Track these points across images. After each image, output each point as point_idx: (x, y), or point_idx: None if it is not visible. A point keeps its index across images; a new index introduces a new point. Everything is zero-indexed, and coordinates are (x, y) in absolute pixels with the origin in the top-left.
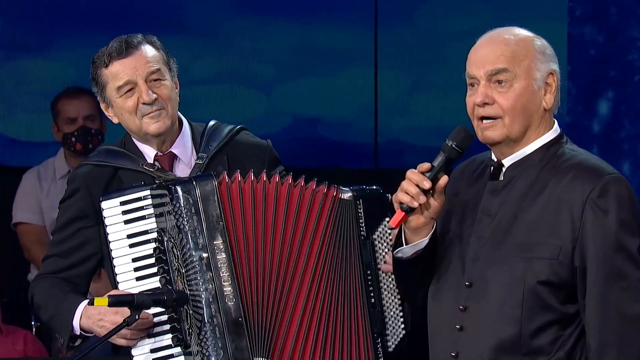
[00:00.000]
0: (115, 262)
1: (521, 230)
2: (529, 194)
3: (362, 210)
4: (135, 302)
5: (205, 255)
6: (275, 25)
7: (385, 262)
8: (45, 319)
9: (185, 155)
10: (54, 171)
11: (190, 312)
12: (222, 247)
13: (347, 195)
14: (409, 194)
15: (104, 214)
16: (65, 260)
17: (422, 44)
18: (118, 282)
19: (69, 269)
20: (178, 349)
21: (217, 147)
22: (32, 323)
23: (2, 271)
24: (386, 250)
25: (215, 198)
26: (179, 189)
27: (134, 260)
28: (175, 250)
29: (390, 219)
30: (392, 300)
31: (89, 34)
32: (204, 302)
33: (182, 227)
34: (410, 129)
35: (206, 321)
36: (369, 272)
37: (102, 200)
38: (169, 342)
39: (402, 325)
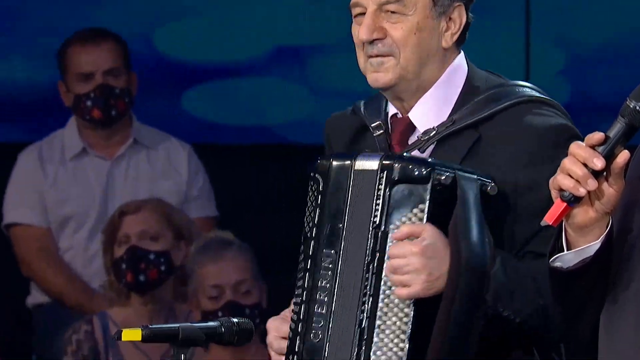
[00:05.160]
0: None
1: None
2: None
3: (383, 189)
4: (180, 336)
5: (308, 266)
6: None
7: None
8: None
9: (428, 124)
10: (62, 149)
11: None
12: (331, 259)
13: (370, 164)
14: (573, 177)
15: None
16: None
17: None
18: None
19: None
20: None
21: (466, 123)
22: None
23: None
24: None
25: (345, 190)
26: (312, 167)
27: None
28: (300, 262)
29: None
30: (393, 328)
31: None
32: (291, 332)
33: (304, 220)
34: None
35: (295, 347)
36: (366, 276)
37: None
38: None
39: None
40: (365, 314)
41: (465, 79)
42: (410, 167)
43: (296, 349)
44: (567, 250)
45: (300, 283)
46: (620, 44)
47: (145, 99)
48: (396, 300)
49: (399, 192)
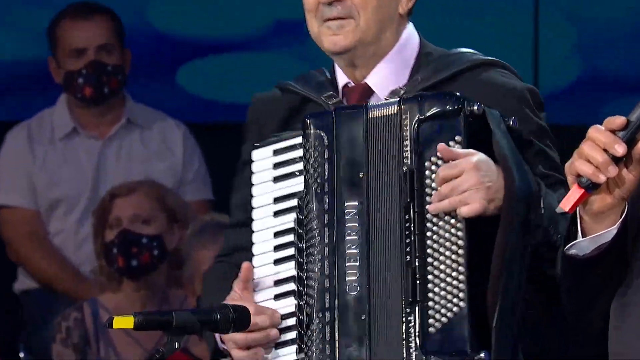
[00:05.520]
0: (255, 236)
1: None
2: None
3: (410, 129)
4: (174, 324)
5: (328, 221)
6: None
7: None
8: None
9: (387, 90)
10: (52, 129)
11: (303, 303)
12: (355, 211)
13: (388, 110)
14: (592, 163)
15: (253, 167)
16: (238, 232)
17: None
18: (255, 267)
19: (241, 249)
20: None
21: (428, 83)
22: (21, 356)
23: None
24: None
25: (361, 141)
26: (311, 123)
27: (276, 234)
28: (299, 215)
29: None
30: (447, 262)
31: None
32: (316, 291)
33: (308, 177)
34: None
35: (315, 316)
36: (407, 217)
37: (254, 148)
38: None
39: (462, 301)
40: (413, 254)
41: (419, 46)
42: (438, 102)
43: (327, 306)
44: (583, 237)
45: (313, 242)
46: (633, 20)
47: (138, 76)
48: (447, 235)
49: (427, 129)
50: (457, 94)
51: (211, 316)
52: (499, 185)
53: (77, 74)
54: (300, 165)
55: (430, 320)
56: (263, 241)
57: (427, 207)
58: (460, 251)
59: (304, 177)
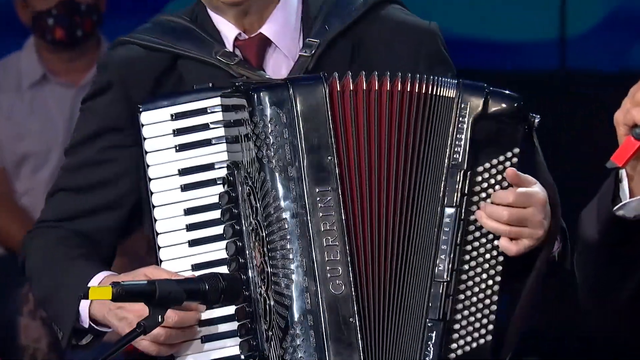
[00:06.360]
0: (156, 212)
1: None
2: None
3: (467, 122)
4: (157, 294)
5: (301, 209)
6: None
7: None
8: (39, 299)
9: (285, 40)
10: (19, 76)
11: (271, 303)
12: (330, 197)
13: (447, 91)
14: None
15: (145, 132)
16: (81, 198)
17: None
18: (159, 247)
19: (86, 215)
20: None
21: (340, 29)
22: None
23: None
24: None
25: (325, 117)
26: (265, 97)
27: (188, 212)
28: (253, 200)
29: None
30: (481, 286)
31: None
32: (293, 288)
33: (266, 161)
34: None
35: (295, 319)
36: (447, 220)
37: (142, 110)
38: (235, 350)
39: (489, 334)
40: (447, 266)
41: None
42: (506, 101)
43: (309, 307)
44: (631, 197)
45: (279, 232)
46: None
47: (116, 16)
48: (486, 256)
49: (486, 129)
50: (514, 93)
51: (198, 286)
52: (548, 224)
53: (47, 14)
54: (207, 134)
55: (453, 345)
56: (168, 218)
57: (476, 217)
58: (497, 278)
59: (257, 156)
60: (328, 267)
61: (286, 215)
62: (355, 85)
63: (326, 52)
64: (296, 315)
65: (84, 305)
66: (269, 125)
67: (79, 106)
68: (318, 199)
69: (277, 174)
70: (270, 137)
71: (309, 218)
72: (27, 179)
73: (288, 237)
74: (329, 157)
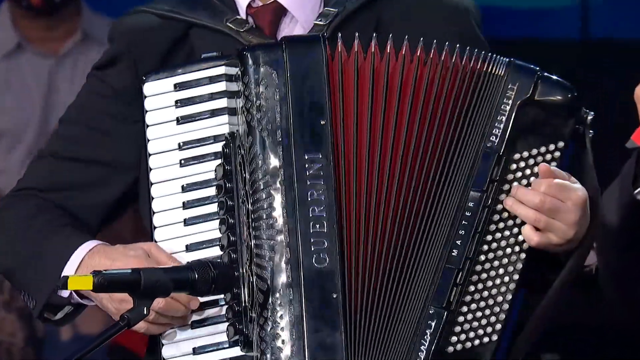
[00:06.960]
0: (154, 190)
1: None
2: None
3: (512, 105)
4: (142, 284)
5: (287, 176)
6: None
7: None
8: (6, 268)
9: (303, 10)
10: None
11: (254, 279)
12: (320, 164)
13: (496, 68)
14: None
15: (147, 104)
16: (74, 168)
17: None
18: (155, 227)
19: (76, 189)
20: (237, 350)
21: (363, 1)
22: None
23: None
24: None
25: (321, 79)
26: (258, 56)
27: (186, 188)
28: (243, 169)
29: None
30: (496, 281)
31: None
32: (274, 261)
33: (254, 124)
34: None
35: (274, 294)
36: (470, 205)
37: (145, 81)
38: (223, 337)
39: (494, 334)
40: (462, 253)
41: None
42: (558, 90)
43: (290, 280)
44: None
45: (262, 202)
46: None
47: None
48: (511, 240)
49: (531, 115)
50: (567, 83)
51: (187, 275)
52: (583, 231)
53: None
54: (209, 105)
55: (454, 338)
56: (166, 195)
57: (503, 207)
58: (515, 276)
59: (245, 120)
60: (312, 239)
61: (271, 182)
62: (365, 50)
63: (346, 24)
64: (275, 290)
65: (68, 270)
66: (260, 86)
67: (57, 78)
68: (307, 165)
69: (265, 138)
70: (260, 99)
71: (295, 185)
72: (0, 158)
73: (273, 206)
74: (323, 122)
